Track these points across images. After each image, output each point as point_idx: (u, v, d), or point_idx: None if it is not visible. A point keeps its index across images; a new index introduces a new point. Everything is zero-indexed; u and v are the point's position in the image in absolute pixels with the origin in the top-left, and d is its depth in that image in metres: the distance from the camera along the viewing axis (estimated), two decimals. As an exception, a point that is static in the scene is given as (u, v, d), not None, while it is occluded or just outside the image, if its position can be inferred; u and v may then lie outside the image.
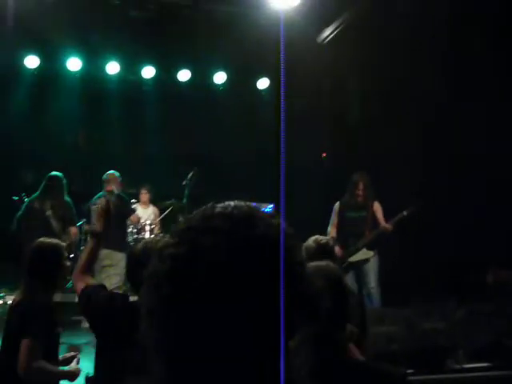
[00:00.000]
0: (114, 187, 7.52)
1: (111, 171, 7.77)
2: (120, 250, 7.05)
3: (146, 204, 9.14)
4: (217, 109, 9.84)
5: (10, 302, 4.10)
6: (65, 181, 7.27)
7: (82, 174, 9.34)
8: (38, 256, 3.51)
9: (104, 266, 7.06)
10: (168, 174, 9.25)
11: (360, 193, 6.75)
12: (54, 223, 6.93)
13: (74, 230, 7.26)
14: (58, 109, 9.19)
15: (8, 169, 7.30)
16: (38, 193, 7.19)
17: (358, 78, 8.49)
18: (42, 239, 3.69)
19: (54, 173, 7.24)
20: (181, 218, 8.18)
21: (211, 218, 0.97)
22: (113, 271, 7.06)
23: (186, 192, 8.57)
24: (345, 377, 1.93)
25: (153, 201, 9.15)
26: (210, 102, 9.88)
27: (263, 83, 9.84)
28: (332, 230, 6.93)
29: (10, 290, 6.99)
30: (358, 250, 6.76)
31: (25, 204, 7.15)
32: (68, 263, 3.63)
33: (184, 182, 8.79)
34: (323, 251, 3.75)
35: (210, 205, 1.02)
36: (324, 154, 9.02)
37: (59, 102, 9.19)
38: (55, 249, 3.57)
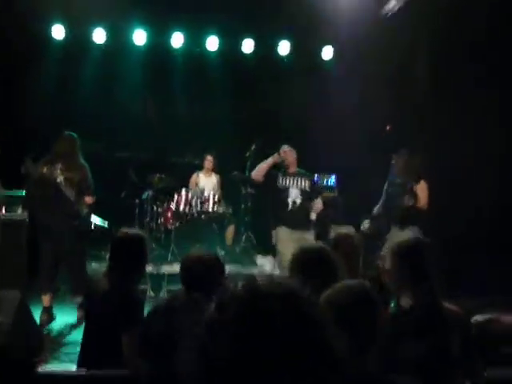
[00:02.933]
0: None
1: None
2: None
3: (209, 172, 9.26)
4: (280, 78, 9.82)
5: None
6: (79, 142, 6.31)
7: (151, 143, 9.57)
8: (122, 248, 3.55)
9: None
10: (232, 145, 9.37)
11: (397, 172, 6.78)
12: (68, 191, 6.02)
13: (88, 199, 6.26)
14: (125, 81, 9.36)
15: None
16: (47, 156, 6.16)
17: (423, 51, 8.34)
18: (124, 230, 3.67)
19: (65, 132, 6.34)
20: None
21: (258, 298, 1.05)
22: None
23: (249, 164, 8.66)
24: None
25: (216, 169, 9.32)
26: (274, 72, 9.86)
27: (327, 53, 9.73)
28: (377, 209, 6.95)
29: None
30: (388, 229, 6.62)
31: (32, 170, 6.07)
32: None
33: (247, 154, 8.90)
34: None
35: (250, 280, 1.09)
36: (388, 127, 8.89)
37: (126, 75, 9.36)
38: (139, 240, 3.58)
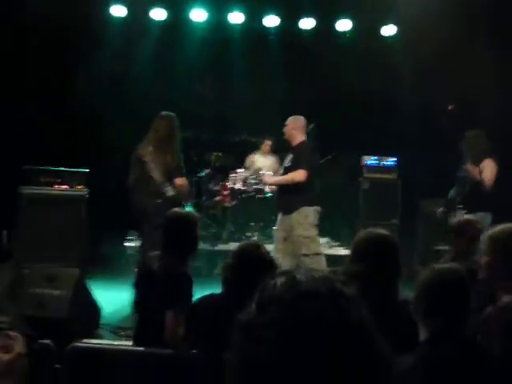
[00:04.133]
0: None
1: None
2: None
3: (266, 153, 9.25)
4: (340, 55, 9.59)
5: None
6: (177, 121, 6.11)
7: (208, 121, 9.56)
8: (172, 227, 3.63)
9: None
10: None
11: (465, 155, 6.58)
12: (154, 172, 5.84)
13: (178, 181, 5.95)
14: (185, 59, 9.33)
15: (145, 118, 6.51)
16: (146, 137, 6.11)
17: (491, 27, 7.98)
18: (175, 210, 3.83)
19: (163, 112, 6.17)
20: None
21: (298, 298, 0.95)
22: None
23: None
24: None
25: (274, 150, 9.25)
26: (334, 49, 9.63)
27: (389, 30, 9.43)
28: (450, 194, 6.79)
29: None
30: (453, 212, 6.49)
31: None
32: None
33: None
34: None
35: (290, 277, 0.99)
36: (451, 107, 8.57)
37: (186, 53, 9.33)
38: (189, 220, 3.68)
